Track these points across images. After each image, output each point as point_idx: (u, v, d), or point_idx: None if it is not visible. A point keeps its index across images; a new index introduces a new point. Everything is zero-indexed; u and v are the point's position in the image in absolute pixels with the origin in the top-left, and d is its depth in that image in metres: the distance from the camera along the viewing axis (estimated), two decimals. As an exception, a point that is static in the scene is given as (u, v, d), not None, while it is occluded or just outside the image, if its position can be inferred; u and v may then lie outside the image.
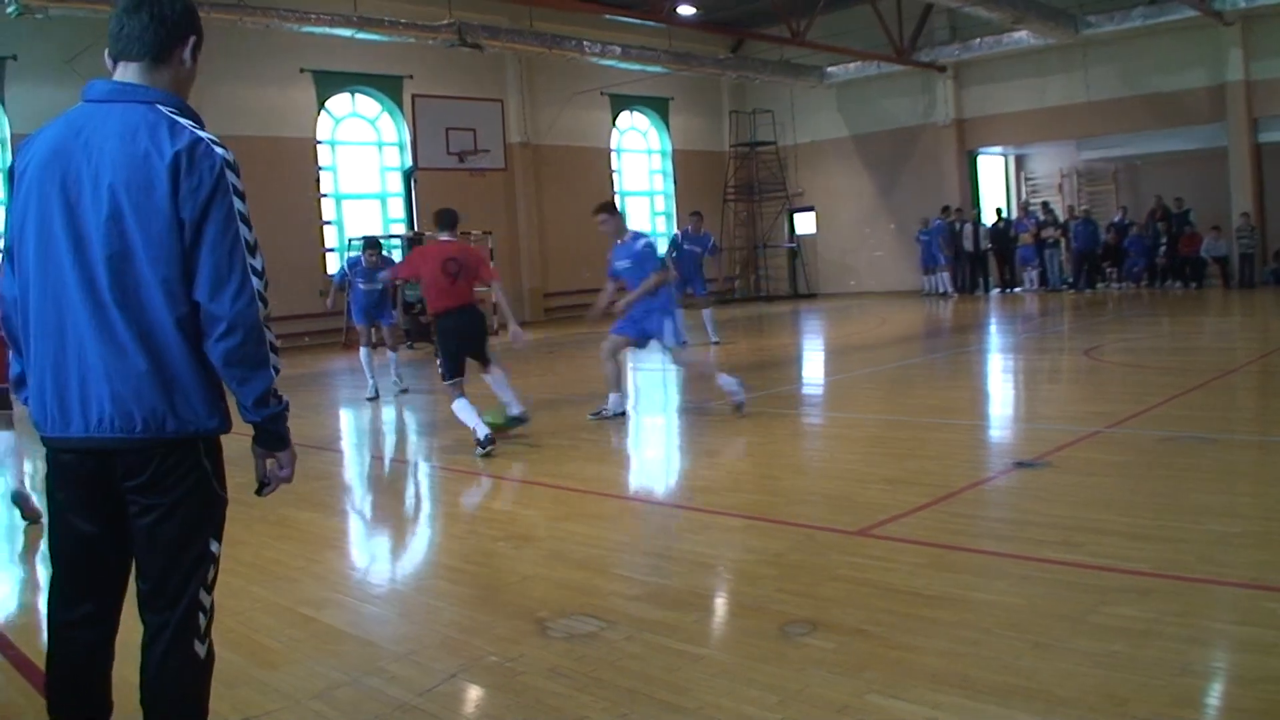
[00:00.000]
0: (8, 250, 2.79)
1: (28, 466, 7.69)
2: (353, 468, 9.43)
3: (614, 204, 11.03)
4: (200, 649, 2.84)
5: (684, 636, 4.28)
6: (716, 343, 17.57)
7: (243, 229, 2.73)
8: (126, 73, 2.78)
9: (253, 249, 2.75)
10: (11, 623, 5.01)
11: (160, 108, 2.73)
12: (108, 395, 2.66)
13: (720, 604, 4.92)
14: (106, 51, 2.84)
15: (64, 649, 2.86)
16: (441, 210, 9.66)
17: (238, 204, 2.73)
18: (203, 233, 2.66)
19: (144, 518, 2.75)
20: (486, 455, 8.59)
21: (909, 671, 3.75)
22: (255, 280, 2.72)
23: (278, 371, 2.83)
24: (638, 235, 10.42)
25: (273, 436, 2.93)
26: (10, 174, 2.81)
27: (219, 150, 2.74)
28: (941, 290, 25.53)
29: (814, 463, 8.19)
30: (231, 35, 20.23)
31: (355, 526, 7.26)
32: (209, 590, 2.86)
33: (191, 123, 2.75)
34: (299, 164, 22.50)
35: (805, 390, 12.71)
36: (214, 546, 2.89)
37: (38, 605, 5.24)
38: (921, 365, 13.89)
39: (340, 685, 3.99)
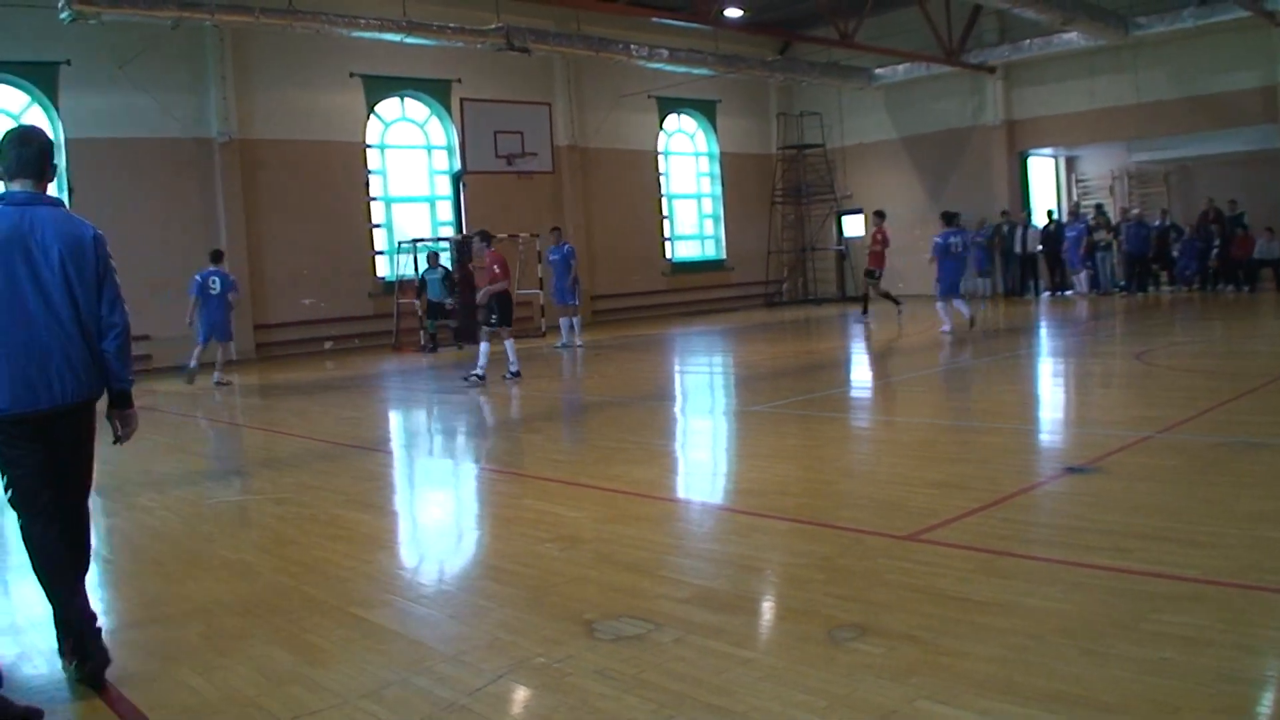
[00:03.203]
0: None
1: None
2: (402, 469, 9.49)
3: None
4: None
5: (731, 639, 4.28)
6: (576, 345, 19.21)
7: (116, 275, 4.60)
8: (25, 185, 4.44)
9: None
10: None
11: (60, 208, 4.53)
12: (70, 377, 4.37)
13: (768, 607, 4.91)
14: (1, 168, 4.47)
15: (41, 541, 4.39)
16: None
17: (113, 261, 4.57)
18: (105, 278, 4.48)
19: (74, 448, 4.49)
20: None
21: (958, 677, 3.74)
22: (124, 303, 4.58)
23: None
24: None
25: (128, 398, 4.64)
26: None
27: (100, 232, 4.58)
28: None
29: (862, 466, 8.15)
30: (281, 40, 20.50)
31: (405, 527, 7.32)
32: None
33: (76, 215, 4.62)
34: (348, 168, 22.71)
35: (853, 394, 12.65)
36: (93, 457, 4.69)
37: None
38: (971, 369, 13.80)
39: (390, 684, 4.03)
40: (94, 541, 5.78)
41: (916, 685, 3.69)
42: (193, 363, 16.04)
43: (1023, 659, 3.86)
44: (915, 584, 4.80)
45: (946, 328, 17.38)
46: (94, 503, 7.54)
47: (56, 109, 19.12)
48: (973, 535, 5.57)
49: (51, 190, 4.62)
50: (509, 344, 14.40)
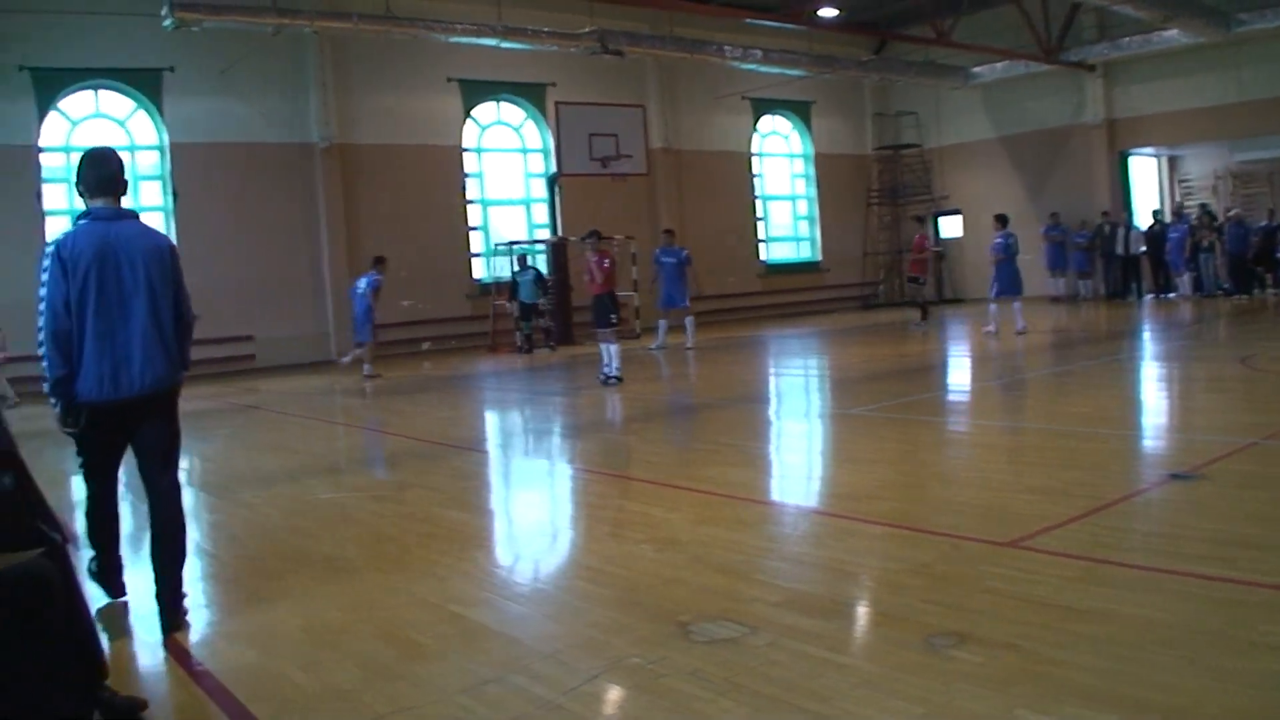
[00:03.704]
0: (68, 303, 4.82)
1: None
2: (498, 469, 9.59)
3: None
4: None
5: (827, 644, 4.26)
6: (687, 348, 18.96)
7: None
8: (108, 201, 5.00)
9: None
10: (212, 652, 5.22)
11: (138, 221, 5.11)
12: (151, 370, 4.95)
13: (864, 613, 4.87)
14: (82, 186, 4.99)
15: (104, 505, 5.25)
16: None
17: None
18: (180, 284, 5.14)
19: (157, 430, 5.13)
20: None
21: (1059, 687, 3.68)
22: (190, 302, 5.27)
23: None
24: None
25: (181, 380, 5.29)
26: (58, 258, 4.83)
27: (173, 243, 5.25)
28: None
29: (960, 471, 8.04)
30: (380, 46, 20.85)
31: (501, 526, 7.41)
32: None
33: (152, 226, 5.25)
34: (446, 171, 23.02)
35: (951, 397, 12.50)
36: (180, 438, 5.36)
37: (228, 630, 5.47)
38: (1072, 372, 13.55)
39: (487, 682, 4.08)
40: (198, 536, 6.07)
41: (1016, 694, 3.64)
42: (366, 368, 17.55)
43: (1124, 669, 3.78)
44: (1015, 591, 4.73)
45: (992, 328, 18.17)
46: (199, 499, 7.85)
47: (161, 114, 19.68)
48: (1074, 543, 5.47)
49: (125, 204, 5.20)
50: (607, 346, 14.42)
